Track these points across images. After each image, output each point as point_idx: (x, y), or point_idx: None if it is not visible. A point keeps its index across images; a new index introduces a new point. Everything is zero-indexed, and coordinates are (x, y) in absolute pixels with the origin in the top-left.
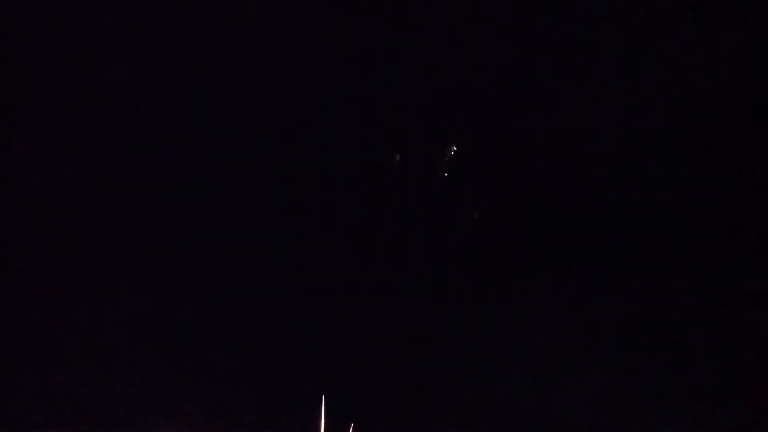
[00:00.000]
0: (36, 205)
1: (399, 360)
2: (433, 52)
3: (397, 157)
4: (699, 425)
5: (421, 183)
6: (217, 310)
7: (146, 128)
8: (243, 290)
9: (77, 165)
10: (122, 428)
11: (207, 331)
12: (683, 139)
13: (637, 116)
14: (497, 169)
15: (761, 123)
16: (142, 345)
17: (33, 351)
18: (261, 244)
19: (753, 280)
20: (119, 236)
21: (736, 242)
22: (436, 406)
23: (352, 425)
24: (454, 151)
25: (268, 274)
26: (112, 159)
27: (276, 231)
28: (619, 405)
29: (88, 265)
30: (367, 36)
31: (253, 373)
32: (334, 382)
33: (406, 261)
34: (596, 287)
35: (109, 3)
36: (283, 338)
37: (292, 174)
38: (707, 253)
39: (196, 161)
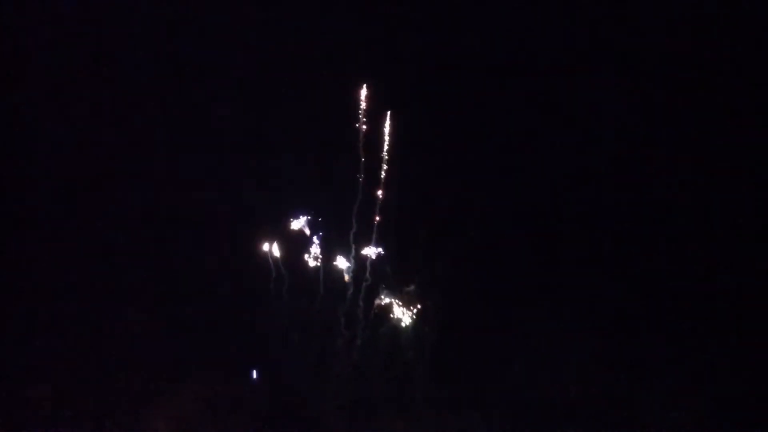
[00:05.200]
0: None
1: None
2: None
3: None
4: (699, 423)
5: None
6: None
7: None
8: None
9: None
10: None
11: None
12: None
13: (637, 121)
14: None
15: (761, 124)
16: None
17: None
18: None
19: (753, 280)
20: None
21: (735, 242)
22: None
23: None
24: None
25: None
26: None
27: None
28: (623, 401)
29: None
30: None
31: (264, 373)
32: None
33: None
34: (602, 289)
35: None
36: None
37: None
38: (706, 253)
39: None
